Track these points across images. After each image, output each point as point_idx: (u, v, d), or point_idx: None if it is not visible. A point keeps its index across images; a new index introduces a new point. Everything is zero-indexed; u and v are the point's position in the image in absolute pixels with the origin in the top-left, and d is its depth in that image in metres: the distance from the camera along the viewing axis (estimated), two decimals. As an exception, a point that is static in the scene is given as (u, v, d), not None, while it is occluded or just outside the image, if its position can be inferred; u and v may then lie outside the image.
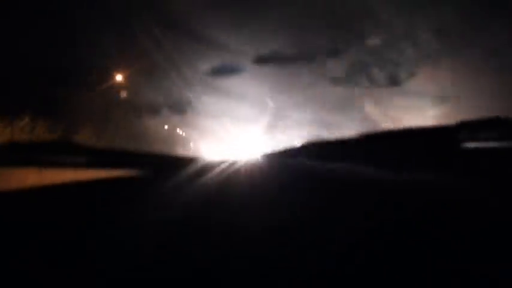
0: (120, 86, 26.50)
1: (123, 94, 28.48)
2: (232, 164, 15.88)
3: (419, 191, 7.03)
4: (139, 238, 3.49)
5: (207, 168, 13.63)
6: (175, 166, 15.83)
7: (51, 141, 22.84)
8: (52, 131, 23.83)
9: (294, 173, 13.50)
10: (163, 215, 4.68)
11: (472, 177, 8.64)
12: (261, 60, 19.08)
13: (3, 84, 19.87)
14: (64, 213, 5.11)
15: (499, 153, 9.36)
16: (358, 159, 15.49)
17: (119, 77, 25.80)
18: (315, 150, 22.19)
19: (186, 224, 4.11)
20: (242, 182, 9.71)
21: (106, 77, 25.34)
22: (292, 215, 4.58)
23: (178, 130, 23.23)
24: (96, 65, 24.28)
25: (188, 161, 17.50)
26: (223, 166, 14.95)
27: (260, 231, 3.65)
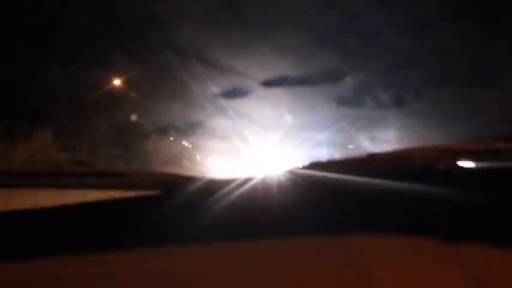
0: (129, 109, 26.85)
1: (134, 117, 28.49)
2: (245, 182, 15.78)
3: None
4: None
5: (221, 187, 13.63)
6: (188, 186, 15.84)
7: (61, 163, 23.00)
8: (64, 153, 24.00)
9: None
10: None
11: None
12: (268, 83, 18.67)
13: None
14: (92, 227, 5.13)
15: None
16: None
17: (128, 100, 26.11)
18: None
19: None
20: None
21: (115, 99, 25.75)
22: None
23: (184, 142, 23.22)
24: (104, 88, 24.77)
25: (199, 180, 17.52)
26: (234, 184, 14.89)
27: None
